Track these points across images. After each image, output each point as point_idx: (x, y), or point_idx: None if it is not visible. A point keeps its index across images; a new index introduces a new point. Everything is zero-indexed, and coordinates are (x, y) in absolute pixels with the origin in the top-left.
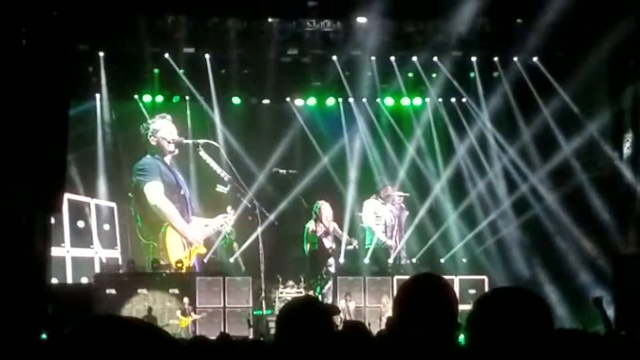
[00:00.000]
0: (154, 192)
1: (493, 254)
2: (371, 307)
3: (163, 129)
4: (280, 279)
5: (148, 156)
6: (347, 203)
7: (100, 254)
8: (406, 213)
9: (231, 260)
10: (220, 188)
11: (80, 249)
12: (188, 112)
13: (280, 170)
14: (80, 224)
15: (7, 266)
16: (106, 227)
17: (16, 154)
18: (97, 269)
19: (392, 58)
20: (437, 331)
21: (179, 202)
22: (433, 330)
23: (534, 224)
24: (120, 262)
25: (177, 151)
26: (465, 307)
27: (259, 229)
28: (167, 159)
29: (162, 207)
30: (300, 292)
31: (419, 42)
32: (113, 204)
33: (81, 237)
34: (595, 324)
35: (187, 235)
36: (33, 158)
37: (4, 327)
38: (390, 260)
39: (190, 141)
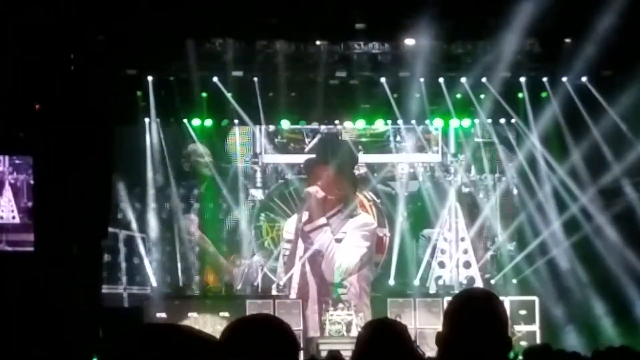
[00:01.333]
0: (191, 225)
1: (543, 274)
2: (421, 328)
3: (195, 151)
4: (330, 302)
5: (184, 183)
6: (398, 234)
7: (128, 290)
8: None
9: (281, 283)
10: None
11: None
12: (237, 135)
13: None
14: (107, 257)
15: (60, 293)
16: (136, 260)
17: (62, 180)
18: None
19: (441, 79)
20: (487, 345)
21: (216, 236)
22: (483, 345)
23: (584, 244)
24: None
25: (215, 176)
26: (517, 328)
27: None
28: (204, 186)
29: (199, 242)
30: (351, 315)
31: (468, 63)
32: (144, 235)
33: (107, 273)
34: None
35: (224, 275)
36: (78, 184)
37: (57, 351)
38: (440, 282)
39: (229, 165)
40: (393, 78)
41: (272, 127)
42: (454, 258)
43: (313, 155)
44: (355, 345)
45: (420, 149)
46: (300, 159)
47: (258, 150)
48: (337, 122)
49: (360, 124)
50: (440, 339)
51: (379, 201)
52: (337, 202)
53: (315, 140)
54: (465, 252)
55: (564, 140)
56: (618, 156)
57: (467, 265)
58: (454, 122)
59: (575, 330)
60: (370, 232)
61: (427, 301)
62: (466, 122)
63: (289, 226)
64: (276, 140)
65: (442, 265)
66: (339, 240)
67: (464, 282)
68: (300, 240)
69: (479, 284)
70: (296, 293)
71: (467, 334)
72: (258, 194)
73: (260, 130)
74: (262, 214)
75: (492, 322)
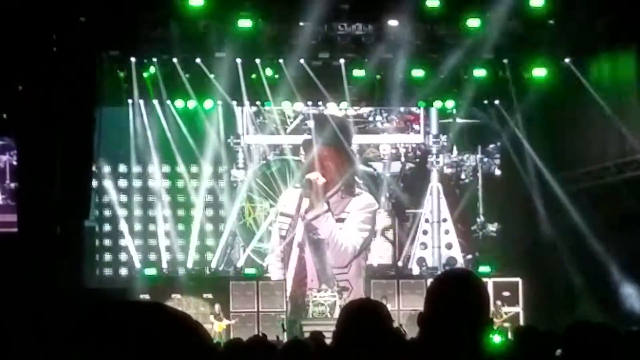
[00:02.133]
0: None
1: (527, 256)
2: (404, 310)
3: None
4: (314, 283)
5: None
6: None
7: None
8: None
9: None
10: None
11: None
12: (220, 117)
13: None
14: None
15: (43, 274)
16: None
17: (44, 161)
18: None
19: (424, 61)
20: (467, 326)
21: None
22: (463, 325)
23: (568, 225)
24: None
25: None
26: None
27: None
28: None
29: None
30: (334, 296)
31: (451, 45)
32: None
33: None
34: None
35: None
36: (60, 166)
37: (39, 332)
38: (423, 263)
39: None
40: (376, 59)
41: (254, 108)
42: (436, 239)
43: (309, 136)
44: (336, 326)
45: (403, 130)
46: (282, 139)
47: (240, 131)
48: (320, 103)
49: (343, 104)
50: (422, 320)
51: (361, 182)
52: (336, 181)
53: (309, 120)
54: (447, 232)
55: (547, 121)
56: (601, 138)
57: (449, 246)
58: (437, 103)
59: (558, 310)
60: (372, 213)
61: (410, 283)
62: (449, 103)
63: (287, 200)
64: (258, 121)
65: (424, 246)
66: (341, 220)
67: (446, 263)
68: (299, 225)
69: (460, 264)
70: (292, 277)
71: (448, 314)
72: (240, 174)
73: (242, 111)
74: (244, 195)
75: (473, 303)
